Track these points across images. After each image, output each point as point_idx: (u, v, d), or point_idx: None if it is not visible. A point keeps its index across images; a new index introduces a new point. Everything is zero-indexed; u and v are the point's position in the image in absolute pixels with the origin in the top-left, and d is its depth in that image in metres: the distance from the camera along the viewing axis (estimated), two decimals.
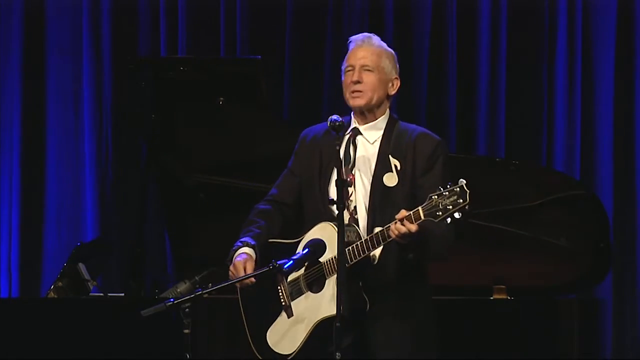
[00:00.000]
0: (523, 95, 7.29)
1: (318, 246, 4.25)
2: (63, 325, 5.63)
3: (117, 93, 7.43)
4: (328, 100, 7.17)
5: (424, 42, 7.28)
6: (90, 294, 6.13)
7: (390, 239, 4.18)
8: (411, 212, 4.13)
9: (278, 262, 4.15)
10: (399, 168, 4.37)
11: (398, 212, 4.23)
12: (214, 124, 6.10)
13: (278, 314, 4.40)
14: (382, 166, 4.38)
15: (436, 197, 4.09)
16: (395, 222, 4.15)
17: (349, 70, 4.44)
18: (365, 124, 4.46)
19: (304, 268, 4.34)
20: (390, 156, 4.39)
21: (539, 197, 5.91)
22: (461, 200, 4.05)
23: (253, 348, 4.43)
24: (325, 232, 4.30)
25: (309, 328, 4.30)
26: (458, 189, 4.06)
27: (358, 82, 4.40)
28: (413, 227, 4.12)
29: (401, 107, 7.29)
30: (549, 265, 5.95)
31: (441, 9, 7.28)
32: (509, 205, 5.83)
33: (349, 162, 4.40)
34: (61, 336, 5.60)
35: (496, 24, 7.27)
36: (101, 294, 6.10)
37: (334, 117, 4.30)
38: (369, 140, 4.44)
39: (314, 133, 4.55)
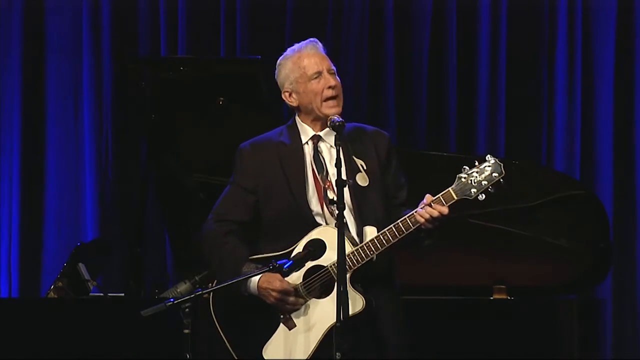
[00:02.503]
0: (523, 95, 7.29)
1: (318, 246, 4.24)
2: (63, 325, 5.63)
3: (117, 93, 7.43)
4: None
5: (424, 42, 7.29)
6: (90, 294, 6.13)
7: (417, 225, 4.20)
8: (440, 195, 4.18)
9: (278, 262, 4.14)
10: (365, 167, 4.38)
11: (377, 210, 4.30)
12: (214, 124, 6.10)
13: (274, 330, 4.31)
14: (351, 168, 4.36)
15: (466, 176, 4.17)
16: (424, 207, 4.18)
17: (316, 77, 4.36)
18: (323, 129, 4.42)
19: (302, 277, 4.29)
20: (354, 157, 4.39)
21: (539, 197, 5.91)
22: (496, 174, 4.15)
23: None
24: (327, 235, 4.27)
25: (321, 334, 4.25)
26: (491, 164, 4.16)
27: (335, 85, 4.37)
28: (445, 210, 4.17)
29: (401, 107, 7.31)
30: (549, 265, 5.95)
31: (441, 9, 7.28)
32: (509, 205, 5.83)
33: (322, 170, 4.38)
34: (61, 336, 5.60)
35: (496, 24, 7.27)
36: (101, 294, 6.11)
37: (335, 117, 4.31)
38: (331, 145, 4.40)
39: (257, 144, 4.48)
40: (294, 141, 4.42)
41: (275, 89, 7.38)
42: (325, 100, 4.37)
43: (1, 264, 7.40)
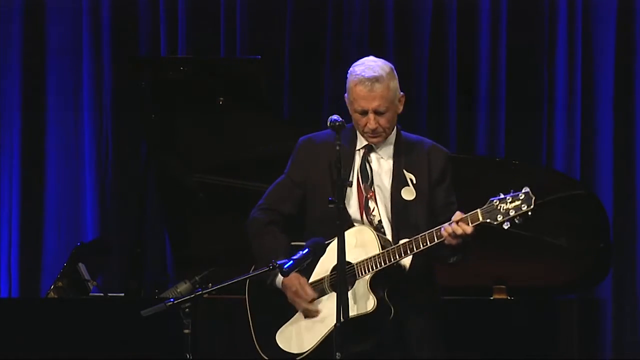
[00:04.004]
0: (523, 95, 7.29)
1: (318, 246, 4.25)
2: (63, 325, 5.63)
3: (117, 93, 7.43)
4: (328, 100, 7.16)
5: (424, 42, 7.28)
6: (90, 294, 6.13)
7: (441, 239, 4.23)
8: (468, 215, 4.21)
9: (278, 262, 4.15)
10: (414, 182, 4.41)
11: (419, 224, 4.32)
12: (214, 124, 6.10)
13: (291, 315, 4.40)
14: (398, 181, 4.41)
15: (497, 201, 4.19)
16: (450, 223, 4.21)
17: (361, 113, 4.38)
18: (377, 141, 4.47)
19: (330, 270, 4.34)
20: (404, 170, 4.42)
21: (539, 197, 5.90)
22: (525, 207, 4.18)
23: (257, 348, 4.43)
24: (360, 235, 4.32)
25: (329, 328, 4.29)
26: (523, 195, 4.19)
27: (375, 129, 4.38)
28: (469, 229, 4.21)
29: None
30: (549, 265, 5.95)
31: (441, 9, 7.28)
32: None
33: (367, 179, 4.42)
34: (61, 336, 5.61)
35: (496, 24, 7.27)
36: (101, 294, 6.11)
37: (334, 117, 4.30)
38: (382, 156, 4.46)
39: (314, 140, 4.53)
40: (350, 145, 4.45)
41: (275, 89, 7.39)
42: (368, 134, 4.42)
43: (1, 264, 7.40)
